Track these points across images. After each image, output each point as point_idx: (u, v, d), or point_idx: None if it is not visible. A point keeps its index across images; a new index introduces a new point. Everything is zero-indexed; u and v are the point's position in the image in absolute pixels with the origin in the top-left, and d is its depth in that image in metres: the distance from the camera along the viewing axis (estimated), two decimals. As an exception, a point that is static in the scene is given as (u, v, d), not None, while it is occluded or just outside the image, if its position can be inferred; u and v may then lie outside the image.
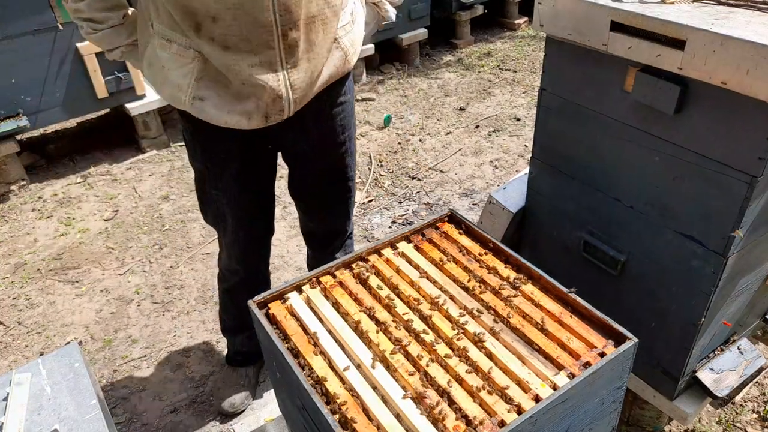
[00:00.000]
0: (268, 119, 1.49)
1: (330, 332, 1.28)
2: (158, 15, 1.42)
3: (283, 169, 1.89)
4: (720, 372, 1.69)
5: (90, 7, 1.46)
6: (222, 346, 2.41)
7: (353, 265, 1.44)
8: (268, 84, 1.42)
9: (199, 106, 1.46)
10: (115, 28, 1.51)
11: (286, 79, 1.44)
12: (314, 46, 1.46)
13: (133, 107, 3.65)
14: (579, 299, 1.26)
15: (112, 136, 4.01)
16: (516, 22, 5.61)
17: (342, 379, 1.17)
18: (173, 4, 1.35)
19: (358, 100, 4.37)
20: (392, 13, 1.82)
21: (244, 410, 2.13)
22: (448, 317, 1.28)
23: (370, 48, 4.50)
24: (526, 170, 1.92)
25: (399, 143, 3.90)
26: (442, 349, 1.20)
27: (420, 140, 3.93)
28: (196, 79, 1.44)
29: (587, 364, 1.14)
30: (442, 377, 1.14)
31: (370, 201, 3.36)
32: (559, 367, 1.15)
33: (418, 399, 1.11)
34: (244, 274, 1.95)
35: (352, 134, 1.82)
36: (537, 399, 1.08)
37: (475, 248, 1.46)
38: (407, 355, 1.20)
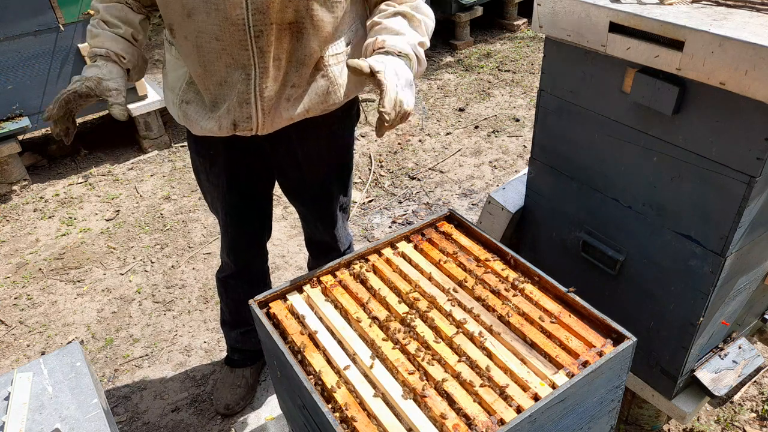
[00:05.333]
0: (237, 127, 1.46)
1: (330, 331, 1.29)
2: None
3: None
4: (718, 371, 1.69)
5: (106, 11, 1.49)
6: (223, 344, 2.42)
7: (353, 265, 1.45)
8: (238, 86, 1.41)
9: (184, 110, 1.51)
10: (117, 37, 1.48)
11: (255, 85, 1.41)
12: (287, 56, 1.42)
13: (135, 108, 3.66)
14: (578, 299, 1.27)
15: (114, 136, 4.02)
16: (515, 23, 5.61)
17: (342, 378, 1.18)
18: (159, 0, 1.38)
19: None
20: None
21: (240, 411, 2.14)
22: (448, 316, 1.29)
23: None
24: (525, 170, 1.92)
25: (399, 144, 3.91)
26: (442, 348, 1.21)
27: (420, 141, 3.93)
28: (187, 83, 1.49)
29: (586, 363, 1.14)
30: (441, 376, 1.15)
31: (370, 201, 3.36)
32: (558, 366, 1.16)
33: (418, 398, 1.12)
34: (234, 268, 1.97)
35: (345, 164, 1.78)
36: (536, 398, 1.09)
37: (475, 248, 1.47)
38: (407, 354, 1.21)
